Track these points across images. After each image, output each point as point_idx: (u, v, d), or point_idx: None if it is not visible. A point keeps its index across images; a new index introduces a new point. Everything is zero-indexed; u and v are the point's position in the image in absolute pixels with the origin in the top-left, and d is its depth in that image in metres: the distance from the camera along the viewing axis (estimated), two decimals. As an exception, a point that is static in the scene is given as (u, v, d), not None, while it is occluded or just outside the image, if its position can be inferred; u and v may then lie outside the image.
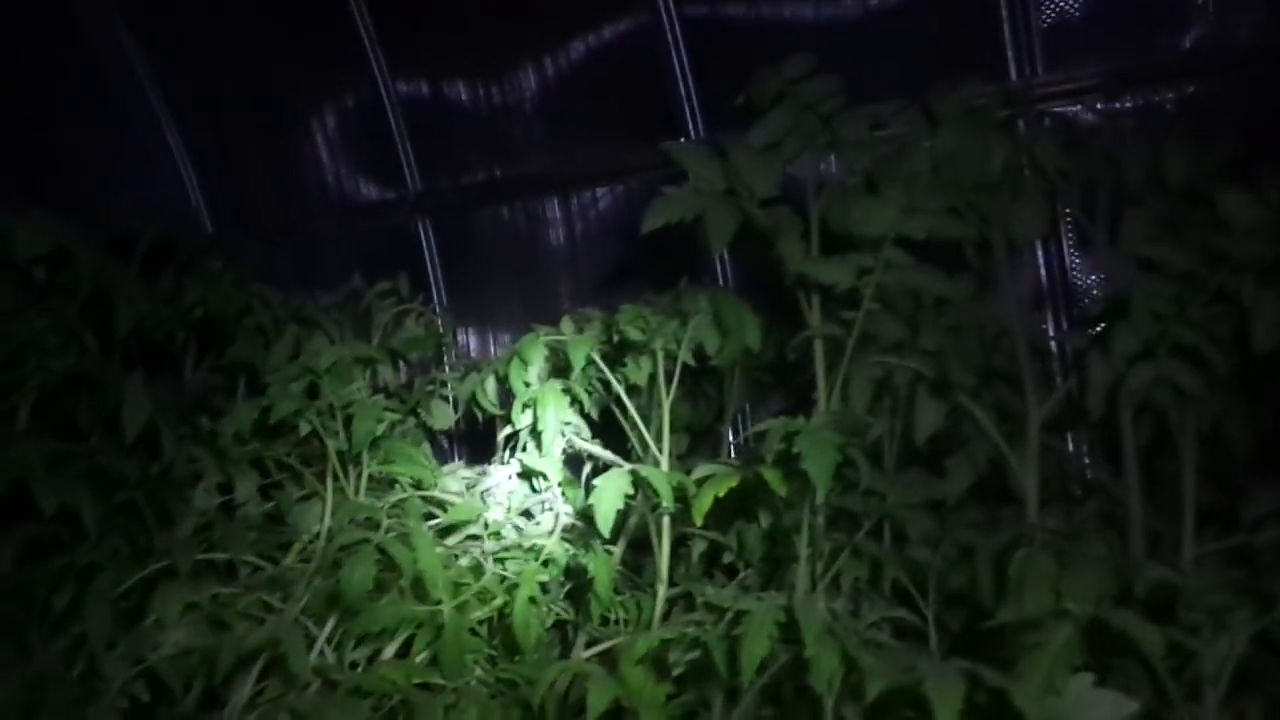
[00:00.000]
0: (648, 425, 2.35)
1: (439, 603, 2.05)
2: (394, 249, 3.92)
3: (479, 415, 2.75)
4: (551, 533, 2.26)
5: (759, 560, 2.30)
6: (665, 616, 2.16)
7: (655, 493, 2.07)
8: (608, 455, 2.27)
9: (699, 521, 2.04)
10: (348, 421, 2.34)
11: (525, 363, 2.37)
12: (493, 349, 3.70)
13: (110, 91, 4.30)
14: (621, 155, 3.43)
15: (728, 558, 2.39)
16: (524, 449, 2.47)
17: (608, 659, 2.09)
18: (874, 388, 2.29)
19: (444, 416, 2.97)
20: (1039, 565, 1.69)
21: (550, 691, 1.94)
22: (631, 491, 2.08)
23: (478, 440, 3.41)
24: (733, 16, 3.07)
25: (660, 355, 2.44)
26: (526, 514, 2.46)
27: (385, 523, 2.08)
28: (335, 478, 2.42)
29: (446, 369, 3.16)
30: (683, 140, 3.16)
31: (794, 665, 1.63)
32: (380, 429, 2.30)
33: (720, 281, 3.13)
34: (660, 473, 2.10)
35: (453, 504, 2.34)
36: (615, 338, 2.47)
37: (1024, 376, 2.20)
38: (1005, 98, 2.41)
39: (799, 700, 1.66)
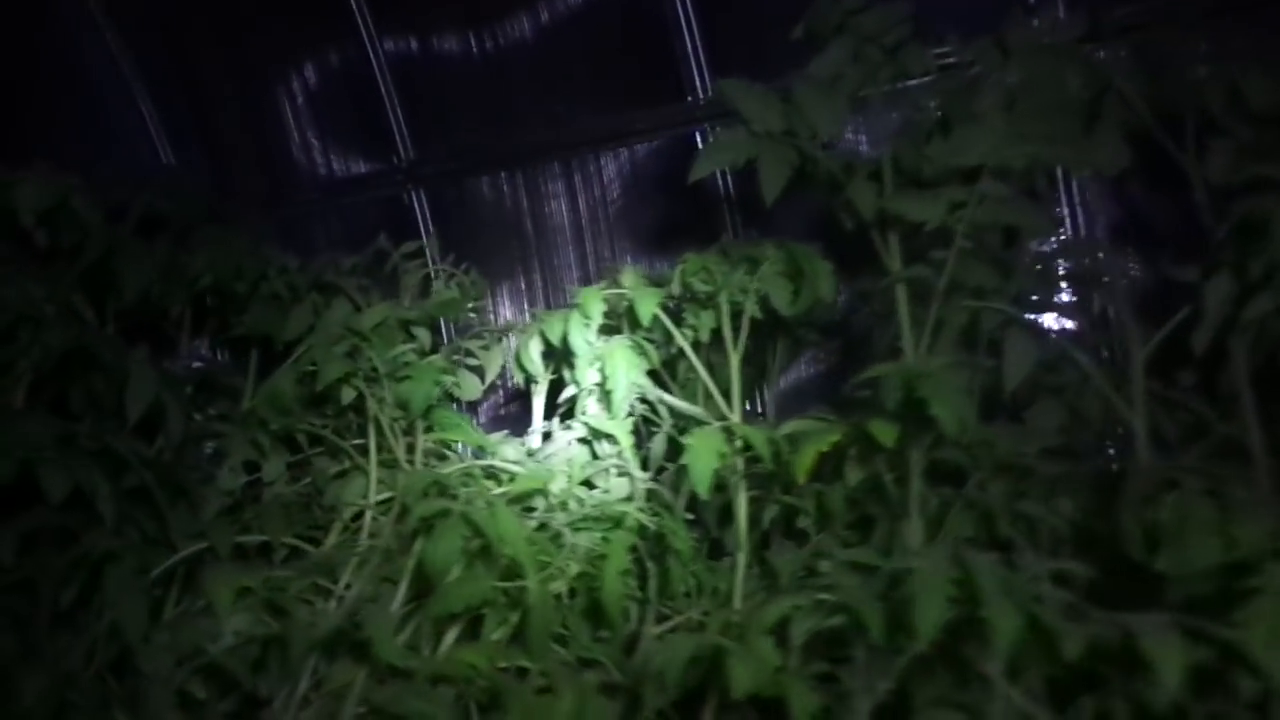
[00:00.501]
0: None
1: (518, 577, 1.83)
2: (385, 220, 3.66)
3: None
4: (630, 498, 2.05)
5: (843, 523, 2.12)
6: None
7: (749, 451, 1.87)
8: (696, 411, 2.06)
9: (801, 480, 1.85)
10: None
11: (587, 318, 2.15)
12: (494, 320, 3.48)
13: (77, 59, 3.96)
14: (624, 117, 3.22)
15: (802, 521, 2.21)
16: (583, 412, 2.26)
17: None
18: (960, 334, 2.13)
19: (472, 386, 2.73)
20: (1198, 510, 1.53)
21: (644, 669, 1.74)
22: (726, 450, 1.88)
23: (495, 410, 3.22)
24: None
25: (726, 308, 2.24)
26: (587, 483, 2.25)
27: (462, 492, 1.85)
28: (380, 449, 2.18)
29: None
30: (689, 98, 2.96)
31: (958, 628, 1.44)
32: (436, 394, 2.07)
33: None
34: (757, 430, 1.91)
35: (514, 473, 2.11)
36: (678, 290, 2.26)
37: (1123, 314, 2.06)
38: (1085, 28, 2.25)
39: (959, 668, 1.48)
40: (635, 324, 2.17)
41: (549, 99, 3.34)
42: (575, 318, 2.15)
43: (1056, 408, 2.12)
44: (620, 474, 2.14)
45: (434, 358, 2.15)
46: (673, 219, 3.23)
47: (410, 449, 2.08)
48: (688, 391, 2.31)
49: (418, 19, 3.49)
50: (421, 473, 2.01)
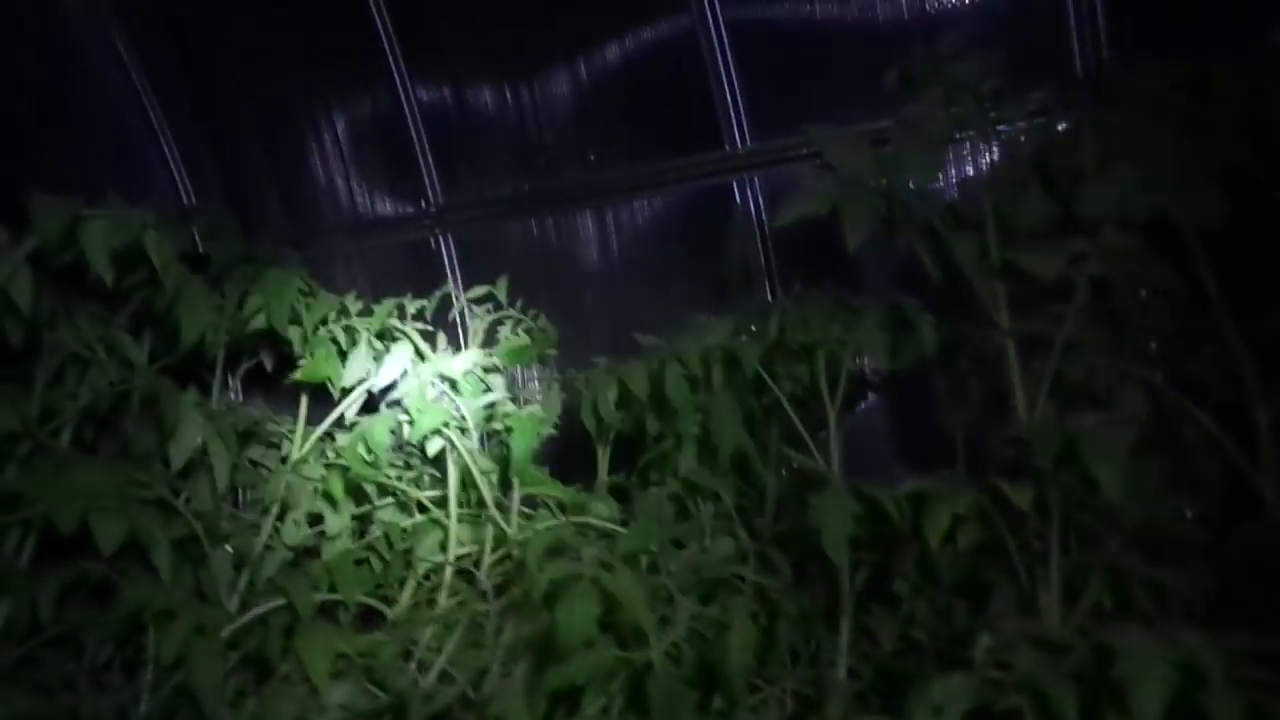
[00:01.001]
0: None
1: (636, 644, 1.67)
2: (412, 264, 3.53)
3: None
4: (744, 559, 1.90)
5: (949, 586, 2.00)
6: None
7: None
8: (823, 469, 1.93)
9: (936, 543, 1.72)
10: (484, 438, 1.94)
11: (684, 365, 2.02)
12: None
13: (102, 102, 3.80)
14: (660, 165, 3.13)
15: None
16: (671, 467, 2.11)
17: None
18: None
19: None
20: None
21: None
22: (858, 511, 1.75)
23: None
24: (778, 17, 2.82)
25: (822, 361, 2.13)
26: (676, 542, 2.10)
27: (588, 552, 1.69)
28: (463, 504, 2.02)
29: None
30: (727, 147, 2.89)
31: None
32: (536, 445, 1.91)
33: (770, 293, 2.86)
34: (883, 490, 1.78)
35: (614, 531, 1.96)
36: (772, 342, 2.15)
37: (1243, 369, 1.97)
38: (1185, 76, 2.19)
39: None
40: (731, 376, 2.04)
41: (583, 145, 3.24)
42: (671, 366, 2.01)
43: (1169, 468, 2.02)
44: (723, 533, 2.00)
45: (533, 408, 1.99)
46: (708, 267, 3.13)
47: (501, 504, 1.91)
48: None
49: (451, 65, 3.39)
50: (540, 532, 1.84)
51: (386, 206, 3.63)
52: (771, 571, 1.91)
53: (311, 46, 3.57)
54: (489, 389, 2.06)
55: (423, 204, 3.49)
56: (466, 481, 2.04)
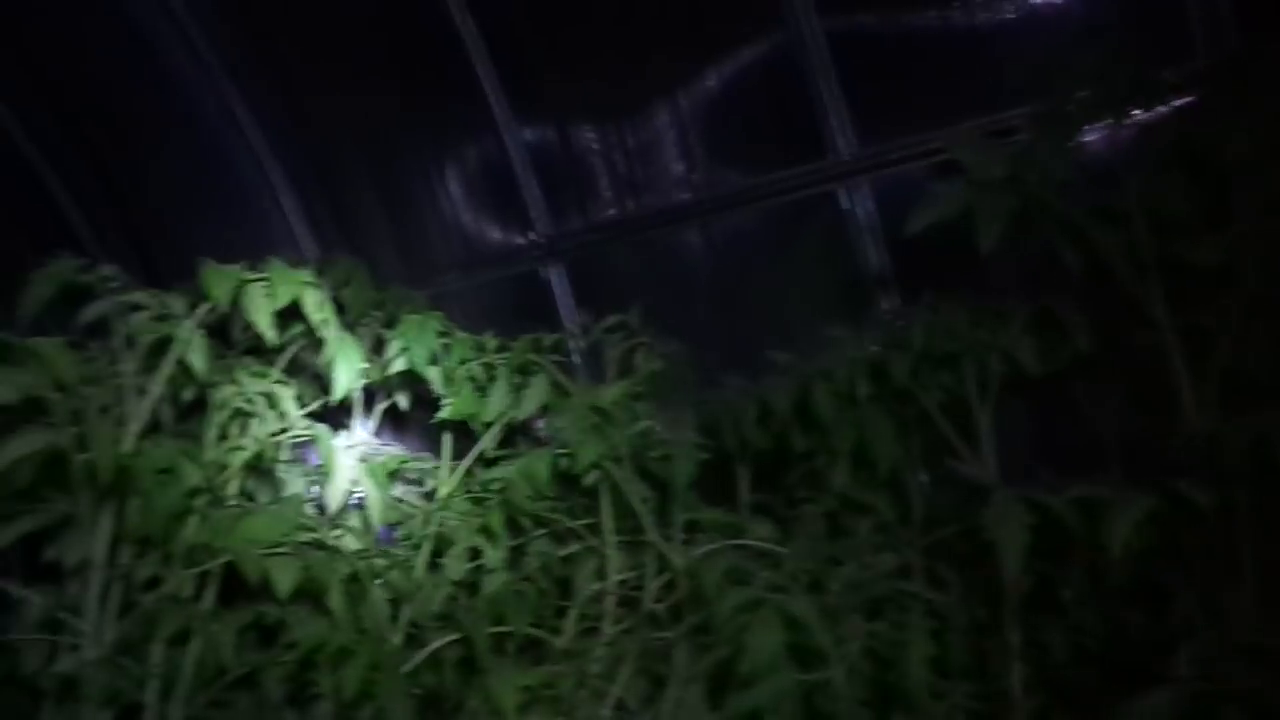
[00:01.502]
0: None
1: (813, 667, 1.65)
2: (523, 297, 3.58)
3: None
4: (906, 574, 1.87)
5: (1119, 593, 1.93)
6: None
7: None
8: (985, 477, 1.89)
9: (1118, 551, 1.67)
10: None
11: (830, 381, 2.00)
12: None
13: (222, 158, 3.96)
14: (764, 176, 3.11)
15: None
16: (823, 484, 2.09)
17: None
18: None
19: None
20: None
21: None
22: (1033, 521, 1.71)
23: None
24: (878, 21, 2.76)
25: (971, 368, 2.08)
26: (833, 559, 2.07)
27: (763, 576, 1.68)
28: (619, 531, 2.03)
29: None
30: (832, 155, 2.84)
31: None
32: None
33: (889, 300, 2.79)
34: (1055, 499, 1.73)
35: (770, 549, 1.95)
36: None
37: None
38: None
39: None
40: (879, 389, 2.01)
41: (687, 164, 3.25)
42: (821, 385, 2.00)
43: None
44: (883, 549, 1.97)
45: (687, 433, 1.99)
46: (819, 277, 3.10)
47: (664, 529, 1.91)
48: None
49: (552, 100, 3.43)
50: (709, 557, 1.84)
51: (495, 242, 3.70)
52: (936, 585, 1.87)
53: (417, 97, 3.67)
54: (637, 417, 2.07)
55: (530, 236, 3.54)
56: (616, 509, 2.04)
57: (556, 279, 3.54)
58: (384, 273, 3.90)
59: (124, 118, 3.98)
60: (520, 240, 3.57)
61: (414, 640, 2.49)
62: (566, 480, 2.11)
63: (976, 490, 1.96)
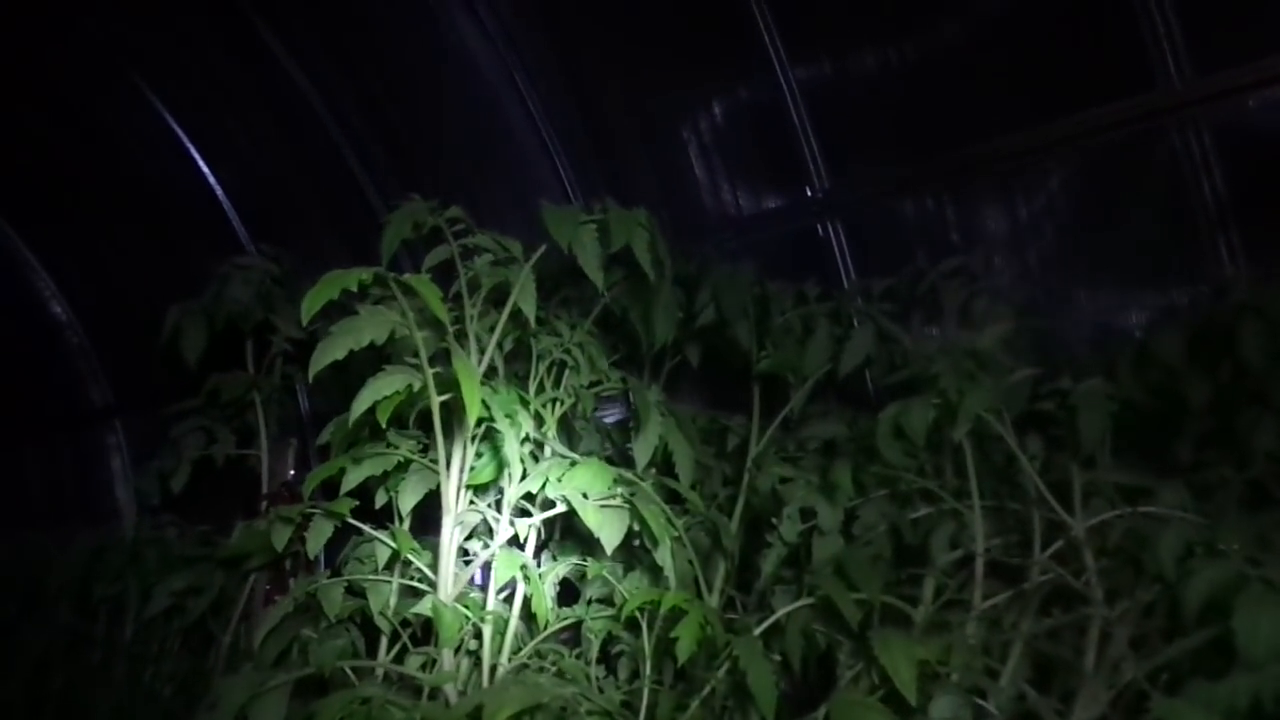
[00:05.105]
0: None
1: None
2: (799, 254, 3.34)
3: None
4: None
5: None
6: None
7: None
8: None
9: None
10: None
11: (1266, 318, 1.64)
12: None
13: (501, 125, 3.98)
14: (1074, 118, 2.68)
15: None
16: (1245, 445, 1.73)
17: None
18: None
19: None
20: None
21: None
22: None
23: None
24: None
25: None
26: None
27: (1232, 549, 1.38)
28: (983, 494, 1.77)
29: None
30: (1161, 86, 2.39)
31: None
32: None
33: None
34: None
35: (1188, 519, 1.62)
36: None
37: None
38: None
39: None
40: None
41: (979, 107, 2.89)
42: (1255, 322, 1.63)
43: None
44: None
45: (1094, 382, 1.70)
46: (1140, 231, 2.67)
47: (1061, 493, 1.64)
48: None
49: (830, 39, 3.16)
50: (1133, 521, 1.55)
51: (771, 198, 3.49)
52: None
53: (688, 49, 3.50)
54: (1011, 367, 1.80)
55: (808, 190, 3.30)
56: (980, 468, 1.78)
57: (837, 235, 3.30)
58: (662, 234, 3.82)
59: (408, 83, 4.07)
60: (796, 196, 3.35)
61: (732, 603, 2.36)
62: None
63: None
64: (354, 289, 1.60)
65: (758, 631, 1.71)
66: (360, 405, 1.73)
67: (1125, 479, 1.67)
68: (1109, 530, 1.59)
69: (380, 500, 2.26)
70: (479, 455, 2.06)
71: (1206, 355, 1.77)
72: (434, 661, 1.95)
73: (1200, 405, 1.80)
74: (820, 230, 3.33)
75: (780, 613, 1.76)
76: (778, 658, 1.78)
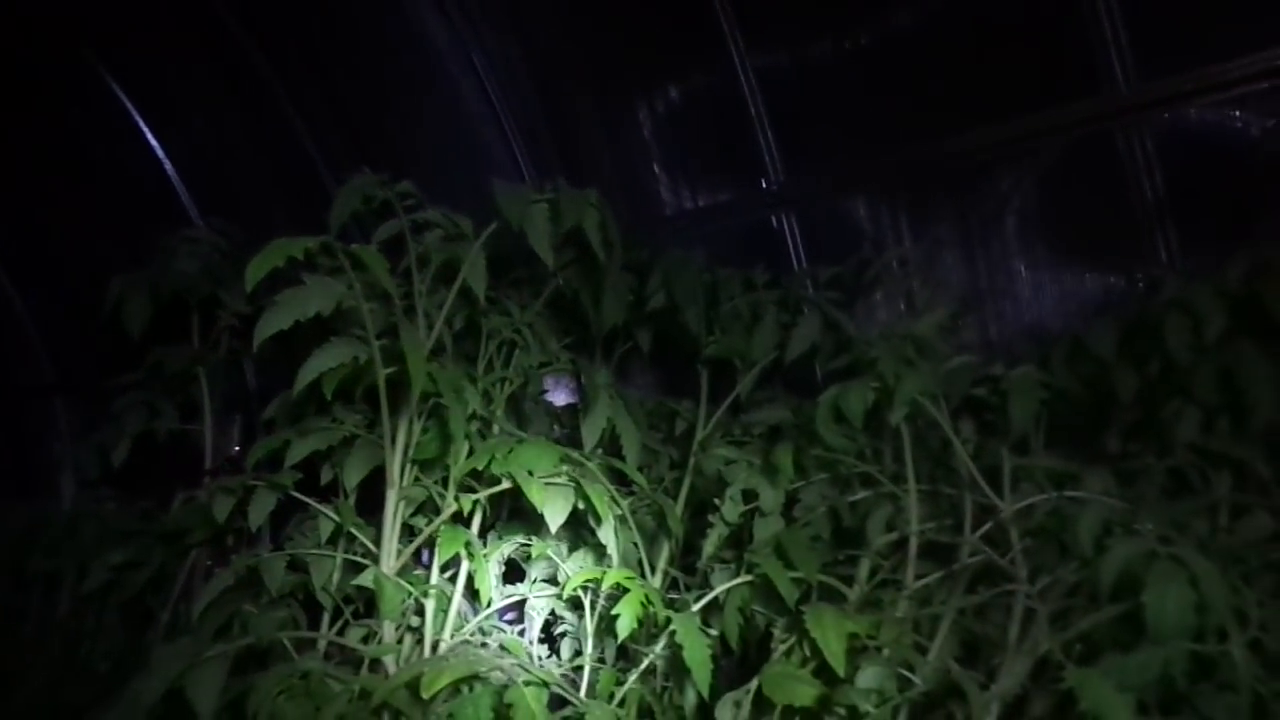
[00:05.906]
0: None
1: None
2: (753, 246, 3.37)
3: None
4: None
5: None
6: None
7: None
8: None
9: None
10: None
11: (1189, 312, 1.70)
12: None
13: (461, 108, 3.95)
14: (1024, 119, 2.75)
15: None
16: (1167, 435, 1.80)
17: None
18: None
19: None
20: None
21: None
22: None
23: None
24: None
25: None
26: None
27: (1147, 528, 1.44)
28: (919, 478, 1.82)
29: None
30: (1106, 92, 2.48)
31: None
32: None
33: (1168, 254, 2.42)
34: None
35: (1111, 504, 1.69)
36: None
37: None
38: None
39: None
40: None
41: (933, 106, 2.94)
42: (1177, 318, 1.70)
43: None
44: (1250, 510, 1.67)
45: (1028, 368, 1.76)
46: (1088, 233, 2.75)
47: (992, 477, 1.69)
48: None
49: (789, 31, 3.19)
50: (1061, 503, 1.60)
51: (727, 189, 3.52)
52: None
53: (649, 37, 3.51)
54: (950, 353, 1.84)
55: (764, 183, 3.34)
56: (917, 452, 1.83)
57: (790, 228, 3.34)
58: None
59: (365, 63, 4.04)
60: (751, 189, 3.38)
61: (676, 584, 2.39)
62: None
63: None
64: (300, 257, 1.60)
65: (696, 608, 1.74)
66: (306, 375, 1.73)
67: (1054, 465, 1.73)
68: (1035, 512, 1.65)
69: (326, 477, 2.25)
70: (425, 431, 2.07)
71: (1137, 349, 1.83)
72: (375, 635, 1.96)
73: (1129, 397, 1.86)
74: (775, 222, 3.36)
75: (718, 589, 1.79)
76: (715, 634, 1.81)
